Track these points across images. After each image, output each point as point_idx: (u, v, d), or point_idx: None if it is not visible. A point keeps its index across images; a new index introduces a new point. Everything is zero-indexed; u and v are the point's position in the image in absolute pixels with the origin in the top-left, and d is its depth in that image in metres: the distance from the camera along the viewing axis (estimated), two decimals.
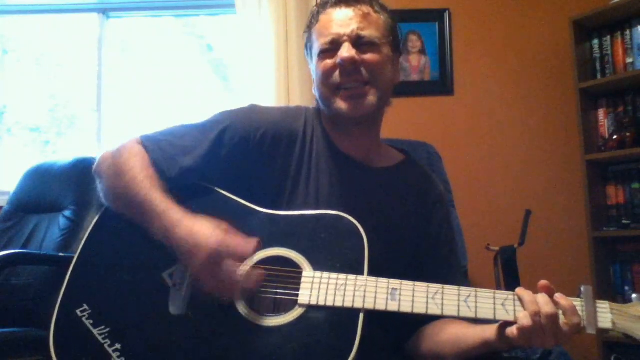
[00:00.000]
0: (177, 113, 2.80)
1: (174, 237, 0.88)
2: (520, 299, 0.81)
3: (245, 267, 0.87)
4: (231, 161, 1.03)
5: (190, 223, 0.88)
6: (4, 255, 1.55)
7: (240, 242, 0.86)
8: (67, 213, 1.90)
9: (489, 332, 0.87)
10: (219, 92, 2.87)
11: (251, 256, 0.88)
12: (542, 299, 0.79)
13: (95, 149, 2.64)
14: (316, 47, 1.05)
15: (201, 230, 0.86)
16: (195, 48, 2.96)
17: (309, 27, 1.10)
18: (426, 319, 1.01)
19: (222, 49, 2.92)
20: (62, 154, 2.68)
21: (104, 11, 2.79)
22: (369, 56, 1.01)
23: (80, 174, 1.94)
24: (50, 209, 1.96)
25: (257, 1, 2.45)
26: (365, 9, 1.03)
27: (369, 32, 1.01)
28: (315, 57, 1.06)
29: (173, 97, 2.84)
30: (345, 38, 1.00)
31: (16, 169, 2.26)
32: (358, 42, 1.00)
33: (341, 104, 1.01)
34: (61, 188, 1.96)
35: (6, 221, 2.01)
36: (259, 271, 0.89)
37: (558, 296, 0.80)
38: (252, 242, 0.87)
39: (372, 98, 1.02)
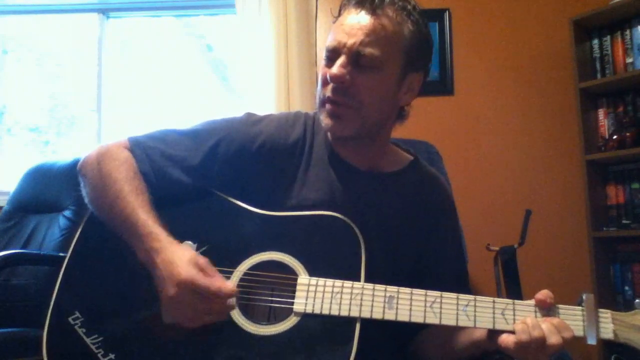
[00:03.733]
0: (177, 113, 2.80)
1: (153, 262, 0.86)
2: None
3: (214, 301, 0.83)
4: (225, 174, 1.00)
5: (169, 252, 0.85)
6: (4, 255, 1.54)
7: (212, 282, 0.82)
8: (67, 213, 1.90)
9: (479, 333, 0.86)
10: (218, 92, 2.87)
11: (230, 294, 0.84)
12: (531, 321, 0.79)
13: None
14: (325, 48, 1.00)
15: (177, 263, 0.83)
16: (195, 48, 2.95)
17: (335, 19, 1.02)
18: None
19: (222, 49, 2.92)
20: (62, 154, 2.68)
21: (104, 11, 2.79)
22: (363, 80, 0.93)
23: None
24: (50, 209, 1.96)
25: (257, 1, 2.45)
26: (385, 20, 0.93)
27: (370, 50, 0.92)
28: (322, 59, 1.01)
29: (173, 97, 2.84)
30: (344, 50, 0.93)
31: (16, 169, 2.26)
32: (357, 59, 0.93)
33: (324, 119, 0.97)
34: (61, 188, 1.97)
35: (6, 221, 2.01)
36: (226, 306, 0.85)
37: (548, 319, 0.80)
38: (227, 285, 0.84)
39: (349, 122, 0.96)
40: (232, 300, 0.85)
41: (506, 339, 0.80)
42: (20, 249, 1.90)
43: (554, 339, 0.77)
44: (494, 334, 0.83)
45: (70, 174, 1.97)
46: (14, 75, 2.89)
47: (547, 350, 0.77)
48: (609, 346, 2.15)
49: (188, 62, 2.89)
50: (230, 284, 0.85)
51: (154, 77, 2.88)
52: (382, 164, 1.07)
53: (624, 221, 2.26)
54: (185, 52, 2.91)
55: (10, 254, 1.65)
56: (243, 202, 0.98)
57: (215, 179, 1.00)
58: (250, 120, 1.06)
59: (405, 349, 1.05)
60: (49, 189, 2.00)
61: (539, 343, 0.77)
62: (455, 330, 0.93)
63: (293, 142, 1.04)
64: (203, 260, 0.86)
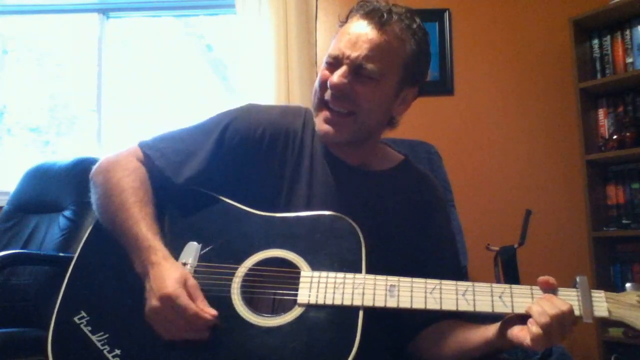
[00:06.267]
0: (177, 113, 2.81)
1: (147, 274, 0.89)
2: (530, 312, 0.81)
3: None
4: (232, 160, 1.03)
5: (162, 268, 0.88)
6: (4, 255, 1.55)
7: (192, 305, 0.84)
8: (67, 213, 1.90)
9: (491, 331, 0.87)
10: (219, 92, 2.87)
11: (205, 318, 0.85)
12: (544, 302, 0.81)
13: (95, 149, 2.64)
14: (327, 52, 1.02)
15: (167, 278, 0.86)
16: (195, 48, 2.96)
17: (341, 23, 1.04)
18: (428, 321, 1.01)
19: (222, 49, 2.92)
20: (62, 154, 2.68)
21: (104, 11, 2.79)
22: (362, 89, 0.96)
23: (80, 174, 1.93)
24: (50, 209, 1.96)
25: (257, 1, 2.45)
26: (387, 36, 0.96)
27: (372, 66, 0.95)
28: (323, 60, 1.04)
29: (173, 97, 2.84)
30: (347, 61, 0.96)
31: (16, 169, 2.26)
32: (358, 70, 0.96)
33: (320, 124, 1.01)
34: (61, 188, 1.96)
35: (6, 221, 2.01)
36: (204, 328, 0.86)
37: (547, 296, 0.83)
38: (206, 310, 0.85)
39: (345, 130, 0.99)
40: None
41: (521, 332, 0.80)
42: (20, 249, 1.90)
43: (565, 307, 0.79)
44: (504, 330, 0.84)
45: (70, 174, 1.97)
46: (14, 75, 2.89)
47: (565, 325, 0.78)
48: (609, 346, 2.15)
49: (188, 62, 2.89)
50: (210, 310, 0.86)
51: (154, 77, 2.88)
52: (373, 163, 1.10)
53: (624, 221, 2.27)
54: (185, 52, 2.91)
55: (10, 254, 1.65)
56: (247, 199, 1.01)
57: (226, 164, 1.03)
58: (253, 109, 1.10)
59: (405, 349, 1.05)
60: (49, 189, 2.00)
61: (559, 319, 0.78)
62: (467, 329, 0.94)
63: (293, 133, 1.07)
64: (192, 282, 0.88)
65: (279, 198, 1.03)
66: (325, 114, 1.00)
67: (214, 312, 0.85)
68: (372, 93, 0.98)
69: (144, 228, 0.92)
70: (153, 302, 0.85)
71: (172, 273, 0.87)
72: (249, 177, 1.04)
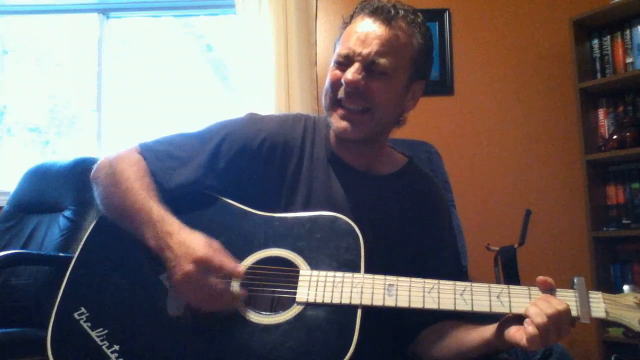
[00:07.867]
0: (177, 113, 2.81)
1: (166, 244, 0.88)
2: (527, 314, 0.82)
3: (228, 285, 0.87)
4: (229, 171, 1.04)
5: (184, 234, 0.89)
6: (4, 255, 1.55)
7: (228, 262, 0.87)
8: (67, 213, 1.90)
9: (489, 332, 0.88)
10: (218, 92, 2.87)
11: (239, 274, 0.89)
12: (540, 303, 0.81)
13: (95, 149, 2.65)
14: (335, 52, 1.03)
15: (193, 242, 0.87)
16: (195, 48, 2.96)
17: (345, 24, 1.05)
18: (428, 322, 1.02)
19: (222, 49, 2.92)
20: (62, 154, 2.68)
21: (104, 11, 2.79)
22: (376, 85, 0.98)
23: (80, 174, 1.94)
24: (50, 209, 1.96)
25: (257, 1, 2.45)
26: (395, 31, 0.98)
27: (384, 61, 0.97)
28: (332, 61, 1.04)
29: (173, 97, 2.84)
30: (359, 58, 0.97)
31: (16, 169, 2.26)
32: (370, 67, 0.97)
33: (336, 122, 1.01)
34: (61, 188, 1.97)
35: (6, 221, 2.02)
36: (241, 291, 0.88)
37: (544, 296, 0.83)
38: (239, 266, 0.89)
39: (362, 127, 1.00)
40: (239, 290, 0.88)
41: (518, 333, 0.81)
42: (20, 249, 1.90)
43: (562, 306, 0.79)
44: (502, 330, 0.84)
45: (70, 174, 1.97)
46: (14, 75, 2.89)
47: (562, 325, 0.79)
48: (609, 346, 2.15)
49: (188, 62, 2.90)
50: (241, 267, 0.88)
51: (153, 77, 2.88)
52: (378, 166, 1.11)
53: (624, 221, 2.27)
54: (185, 52, 2.91)
55: (10, 254, 1.66)
56: (245, 201, 1.02)
57: (221, 175, 1.03)
58: (252, 119, 1.10)
59: (405, 350, 1.05)
60: (49, 189, 2.01)
61: (556, 318, 0.78)
62: (466, 330, 0.94)
63: (292, 141, 1.07)
64: (216, 243, 0.90)
65: (277, 205, 1.03)
66: (341, 112, 1.00)
67: (243, 269, 0.89)
68: (386, 88, 0.99)
69: (155, 204, 0.93)
70: (186, 267, 0.85)
71: (196, 237, 0.89)
72: (247, 187, 1.04)
